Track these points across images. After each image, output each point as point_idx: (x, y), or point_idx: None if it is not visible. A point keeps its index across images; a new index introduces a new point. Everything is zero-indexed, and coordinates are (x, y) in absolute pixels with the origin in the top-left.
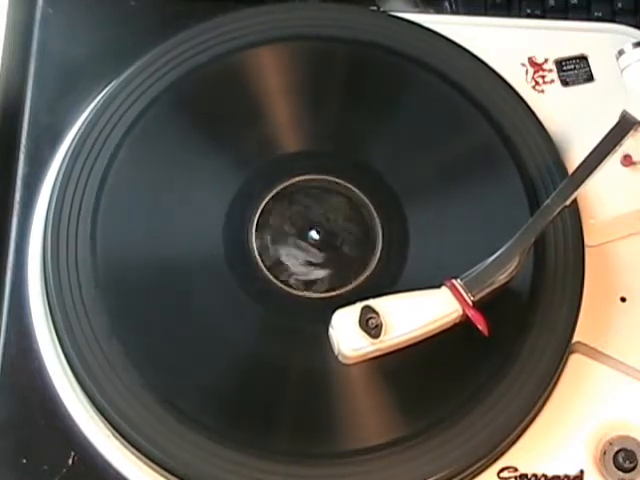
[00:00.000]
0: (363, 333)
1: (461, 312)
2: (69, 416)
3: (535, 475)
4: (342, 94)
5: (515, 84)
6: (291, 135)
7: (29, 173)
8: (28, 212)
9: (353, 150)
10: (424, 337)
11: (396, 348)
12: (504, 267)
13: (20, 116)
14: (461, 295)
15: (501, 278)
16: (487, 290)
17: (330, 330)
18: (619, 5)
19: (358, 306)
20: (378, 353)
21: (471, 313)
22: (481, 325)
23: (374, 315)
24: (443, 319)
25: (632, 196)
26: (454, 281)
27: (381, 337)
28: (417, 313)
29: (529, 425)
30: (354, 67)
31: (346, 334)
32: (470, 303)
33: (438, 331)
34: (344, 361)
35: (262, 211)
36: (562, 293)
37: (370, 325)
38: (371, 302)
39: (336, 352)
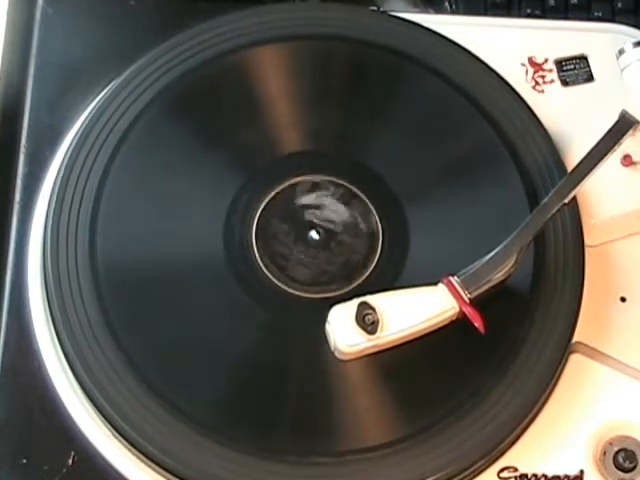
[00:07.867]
0: (359, 329)
1: (457, 309)
2: (69, 416)
3: (535, 475)
4: (342, 94)
5: (515, 84)
6: (291, 135)
7: (29, 173)
8: (28, 212)
9: (353, 150)
10: (421, 334)
11: (393, 344)
12: (501, 265)
13: (20, 116)
14: (458, 292)
15: (498, 276)
16: (484, 288)
17: (327, 326)
18: (619, 5)
19: (355, 302)
20: (374, 349)
21: (467, 310)
22: (478, 322)
23: (370, 311)
24: (439, 316)
25: (632, 196)
26: (451, 278)
27: (377, 333)
28: (414, 310)
29: (529, 425)
30: (354, 67)
31: (342, 330)
32: (467, 300)
33: (435, 328)
34: (340, 357)
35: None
36: (562, 293)
37: (366, 321)
38: (368, 298)
39: (332, 348)
